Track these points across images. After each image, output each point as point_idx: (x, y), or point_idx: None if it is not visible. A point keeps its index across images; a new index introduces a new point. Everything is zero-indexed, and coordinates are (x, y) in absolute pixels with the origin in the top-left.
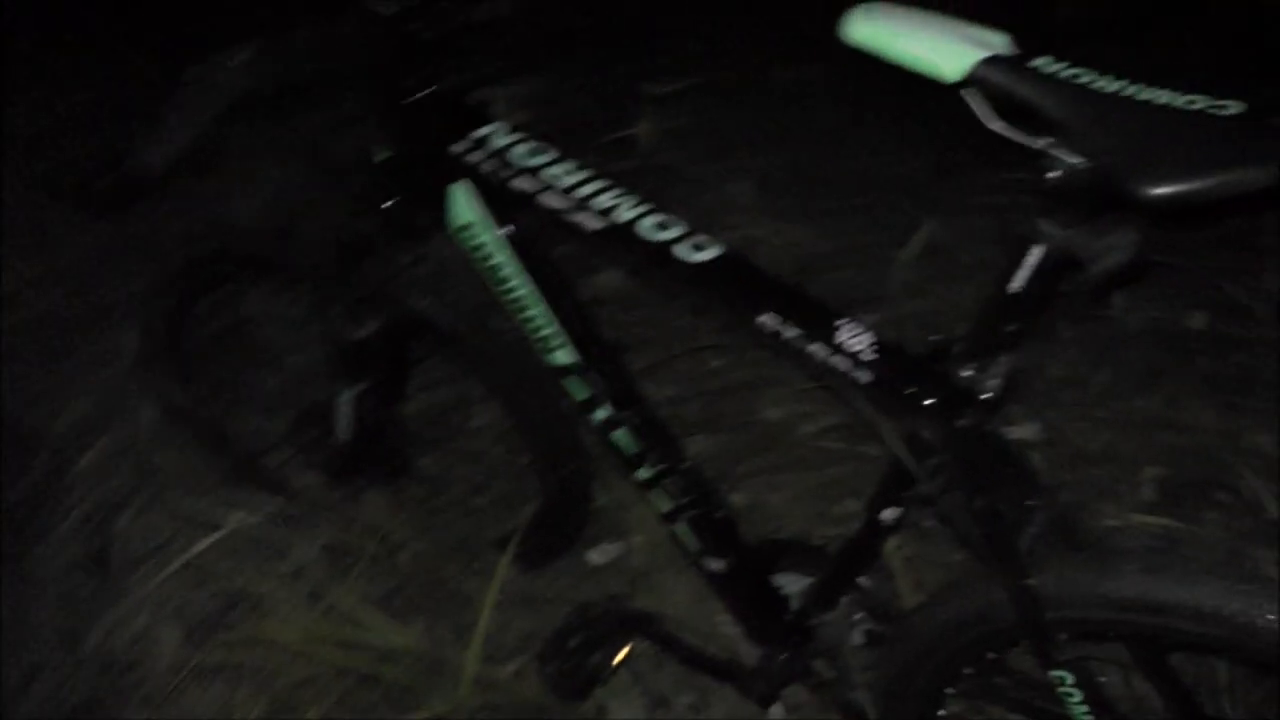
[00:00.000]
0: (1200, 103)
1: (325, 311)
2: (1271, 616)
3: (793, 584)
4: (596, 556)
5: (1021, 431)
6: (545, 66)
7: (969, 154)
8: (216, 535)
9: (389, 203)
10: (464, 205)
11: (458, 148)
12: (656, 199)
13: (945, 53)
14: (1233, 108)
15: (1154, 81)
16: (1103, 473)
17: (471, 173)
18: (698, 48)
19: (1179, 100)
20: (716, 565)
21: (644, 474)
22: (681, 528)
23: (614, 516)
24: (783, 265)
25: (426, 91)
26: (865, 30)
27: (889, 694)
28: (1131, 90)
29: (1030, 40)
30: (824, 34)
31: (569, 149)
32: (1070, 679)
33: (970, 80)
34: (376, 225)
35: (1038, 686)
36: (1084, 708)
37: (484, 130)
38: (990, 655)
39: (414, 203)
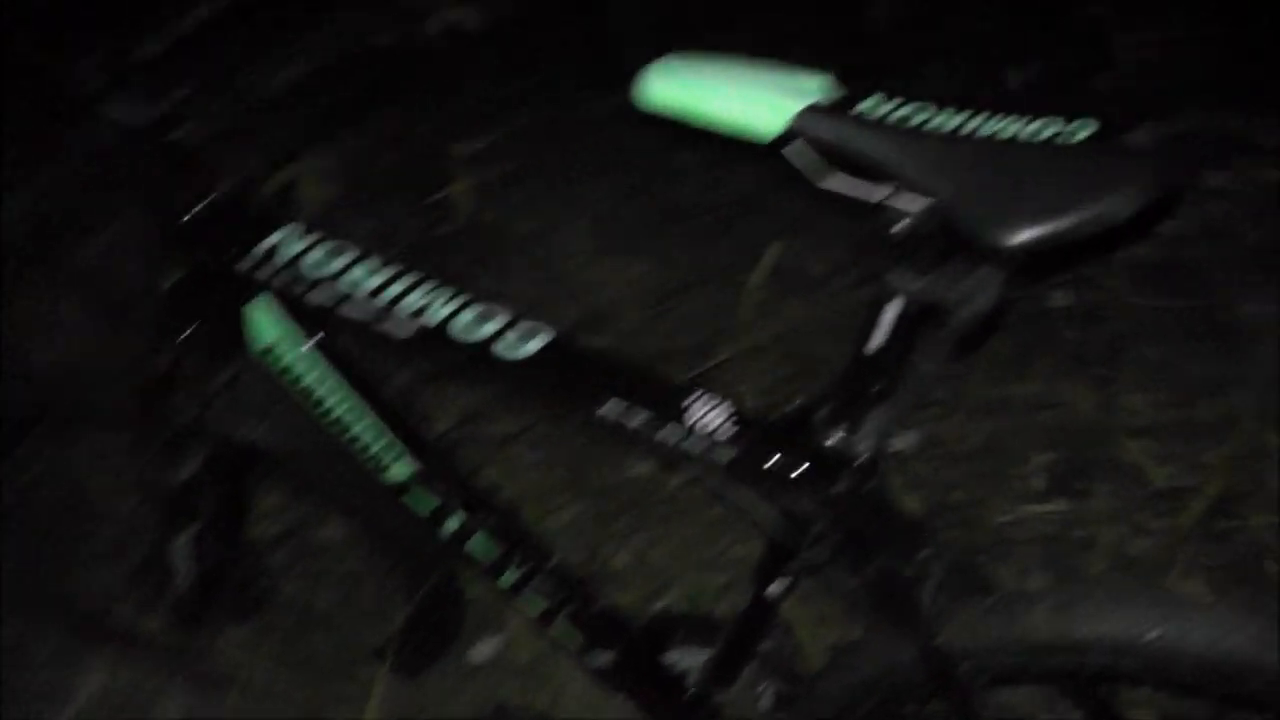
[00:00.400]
0: (1049, 130)
1: (141, 456)
2: (1194, 639)
3: (688, 658)
4: (477, 655)
5: (898, 444)
6: (343, 136)
7: None
8: (73, 707)
9: (186, 331)
10: (263, 325)
11: (244, 265)
12: (485, 265)
13: (758, 109)
14: (1083, 131)
15: (999, 108)
16: (988, 467)
17: (260, 289)
18: (503, 93)
19: (1027, 130)
20: (604, 659)
21: (509, 579)
22: (560, 626)
23: (489, 608)
24: (629, 305)
25: (203, 203)
26: (665, 93)
27: None
28: (973, 124)
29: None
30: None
31: (378, 234)
32: None
33: (790, 136)
34: (178, 356)
35: None
36: None
37: (271, 240)
38: (909, 709)
39: (214, 327)
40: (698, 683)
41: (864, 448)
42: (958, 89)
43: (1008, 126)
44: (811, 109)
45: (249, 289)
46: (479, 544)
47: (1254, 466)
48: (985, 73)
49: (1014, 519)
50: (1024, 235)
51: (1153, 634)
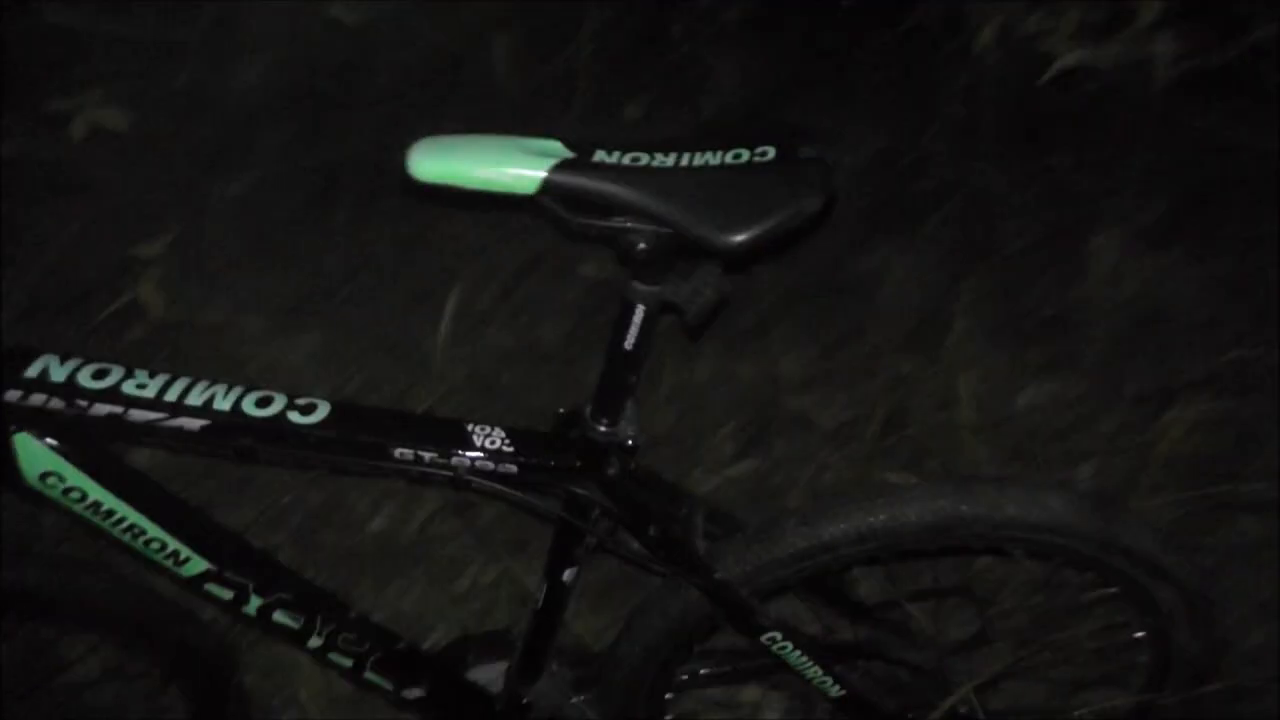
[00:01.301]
0: (744, 155)
1: None
2: (909, 512)
3: (487, 674)
4: None
5: None
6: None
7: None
8: None
9: None
10: (36, 454)
11: (12, 395)
12: (181, 361)
13: (517, 172)
14: (770, 153)
15: (698, 146)
16: (684, 445)
17: (32, 417)
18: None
19: (726, 157)
20: (416, 693)
21: (316, 642)
22: (370, 675)
23: (268, 690)
24: (315, 378)
25: None
26: (433, 168)
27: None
28: (685, 159)
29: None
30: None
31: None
32: (779, 635)
33: (546, 189)
34: None
35: (749, 653)
36: (797, 653)
37: (34, 369)
38: (695, 648)
39: None
40: (506, 688)
41: (628, 433)
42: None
43: (710, 156)
44: (559, 165)
45: (10, 423)
46: (282, 616)
47: (900, 390)
48: (608, 109)
49: (717, 484)
50: (744, 235)
51: (880, 517)
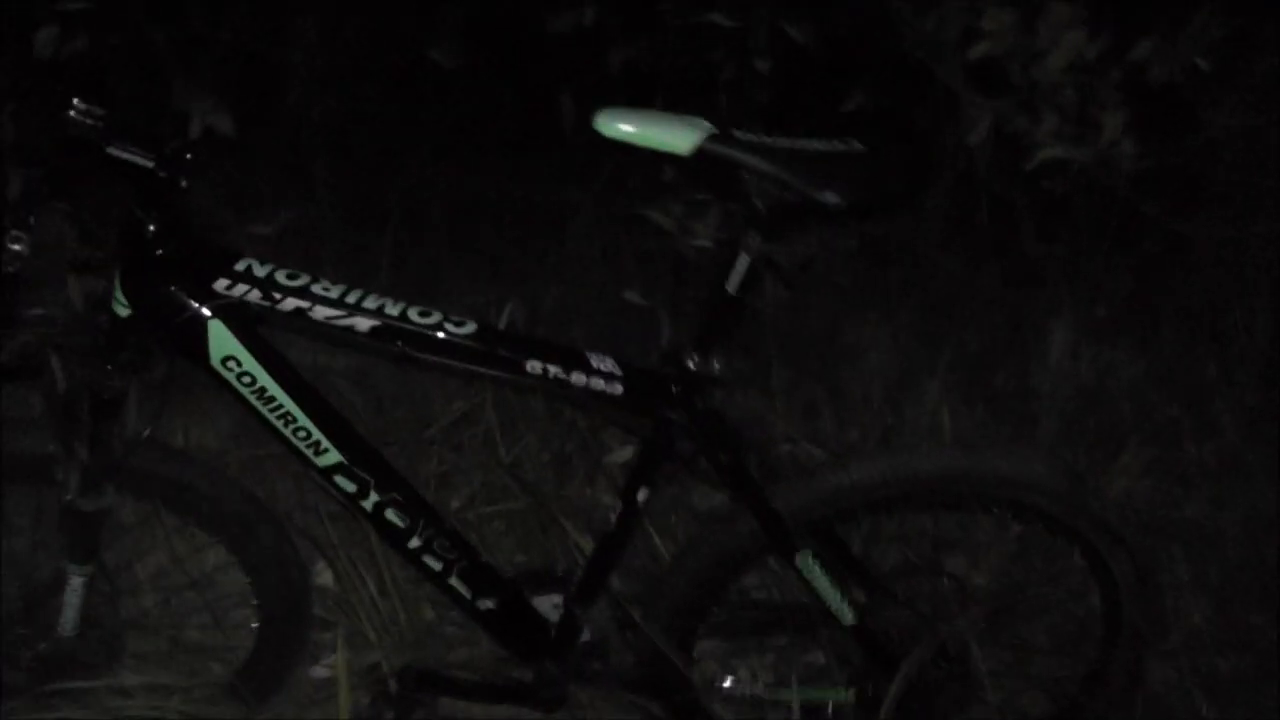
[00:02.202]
0: (841, 145)
1: (54, 475)
2: (922, 467)
3: (543, 604)
4: (321, 670)
5: None
6: None
7: None
8: None
9: (133, 358)
10: (225, 339)
11: (220, 284)
12: None
13: (677, 136)
14: (858, 146)
15: (810, 134)
16: None
17: (228, 309)
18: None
19: (829, 145)
20: (488, 605)
21: (415, 543)
22: (454, 581)
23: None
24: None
25: (175, 239)
26: (615, 128)
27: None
28: (801, 143)
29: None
30: None
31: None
32: (811, 557)
33: (699, 153)
34: (118, 386)
35: (777, 606)
36: (826, 578)
37: (241, 265)
38: (735, 584)
39: (164, 352)
40: (564, 610)
41: (715, 370)
42: None
43: (819, 143)
44: (711, 136)
45: (207, 313)
46: (392, 515)
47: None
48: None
49: None
50: (840, 196)
51: (901, 468)
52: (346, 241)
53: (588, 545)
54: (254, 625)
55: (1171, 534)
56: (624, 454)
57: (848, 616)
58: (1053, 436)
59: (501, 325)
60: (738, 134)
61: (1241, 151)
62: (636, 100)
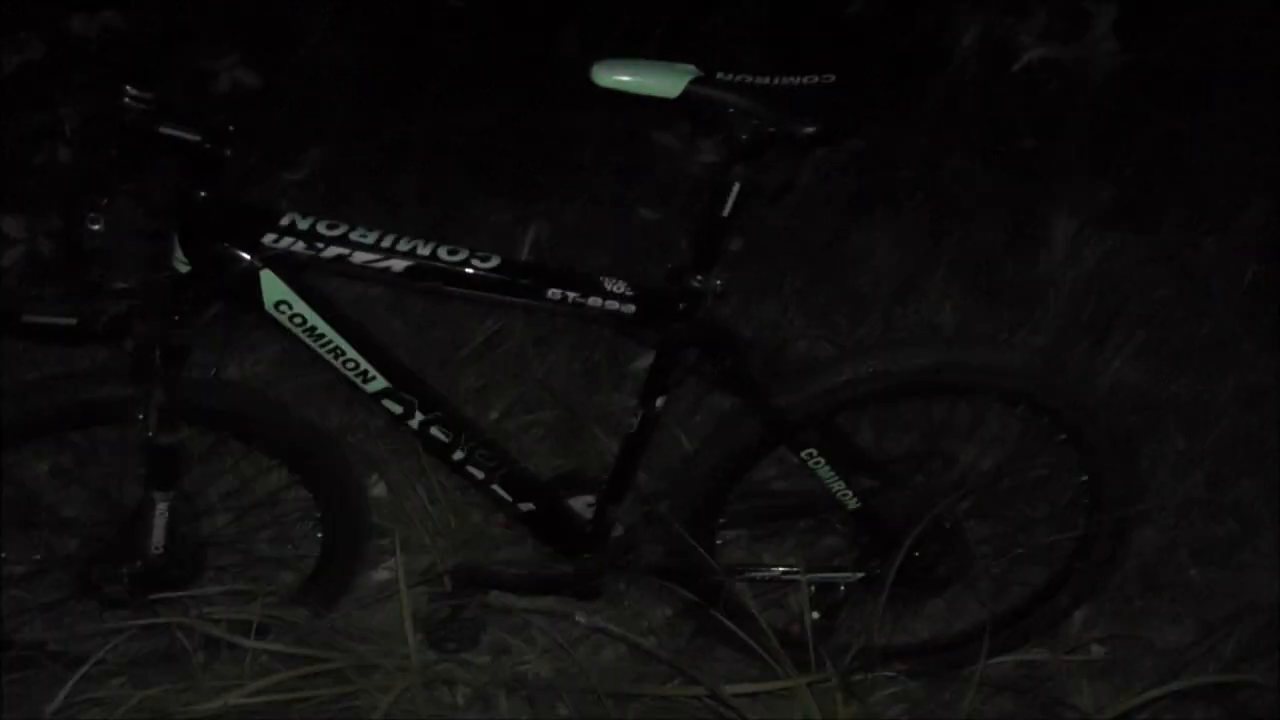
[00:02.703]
0: (815, 78)
1: (136, 415)
2: (910, 360)
3: (580, 503)
4: (382, 573)
5: None
6: None
7: None
8: None
9: (195, 309)
10: (276, 286)
11: (268, 239)
12: None
13: (666, 82)
14: (832, 78)
15: (785, 70)
16: None
17: (277, 258)
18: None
19: (803, 79)
20: (528, 507)
21: (459, 455)
22: (496, 488)
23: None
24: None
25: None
26: (610, 77)
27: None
28: (778, 80)
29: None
30: None
31: None
32: (815, 452)
33: (685, 95)
34: (185, 334)
35: (792, 494)
36: (829, 469)
37: (286, 219)
38: (748, 476)
39: (222, 302)
40: (596, 508)
41: (716, 286)
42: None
43: (795, 79)
44: (695, 79)
45: (259, 264)
46: (437, 431)
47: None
48: None
49: None
50: (812, 128)
51: (892, 361)
52: (373, 179)
53: (616, 448)
54: (319, 536)
55: (1164, 409)
56: (646, 361)
57: (852, 502)
58: (1053, 322)
59: (526, 246)
60: (720, 76)
61: (1234, 48)
62: (639, 26)
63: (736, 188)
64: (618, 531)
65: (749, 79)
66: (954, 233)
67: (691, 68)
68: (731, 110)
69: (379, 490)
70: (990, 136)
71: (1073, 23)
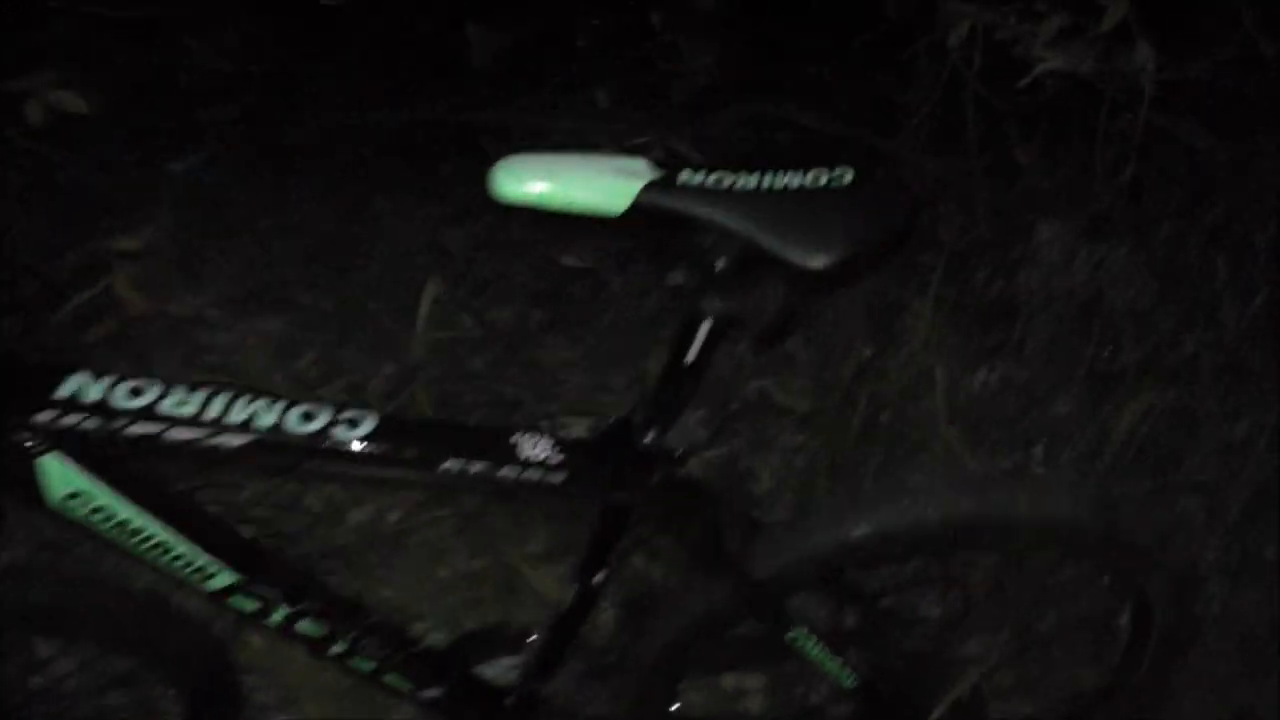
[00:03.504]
0: (824, 178)
1: None
2: (929, 513)
3: (495, 669)
4: None
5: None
6: None
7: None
8: None
9: None
10: (63, 475)
11: (44, 417)
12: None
13: (607, 193)
14: (848, 175)
15: (779, 165)
16: None
17: (62, 438)
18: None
19: (806, 179)
20: (432, 694)
21: (339, 649)
22: (391, 678)
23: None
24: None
25: None
26: (520, 188)
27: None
28: (767, 180)
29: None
30: None
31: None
32: (804, 630)
33: (635, 209)
34: None
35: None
36: (819, 646)
37: (69, 386)
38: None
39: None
40: (521, 684)
41: (678, 442)
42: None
43: (791, 178)
44: (648, 187)
45: (36, 445)
46: (305, 626)
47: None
48: (576, 95)
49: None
50: (826, 259)
51: (906, 518)
52: (270, 181)
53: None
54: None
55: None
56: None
57: (849, 680)
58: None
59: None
60: (688, 177)
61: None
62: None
63: (707, 325)
64: (551, 706)
65: (729, 180)
66: (939, 246)
67: (642, 164)
68: (704, 228)
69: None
70: (978, 138)
71: (1109, 43)
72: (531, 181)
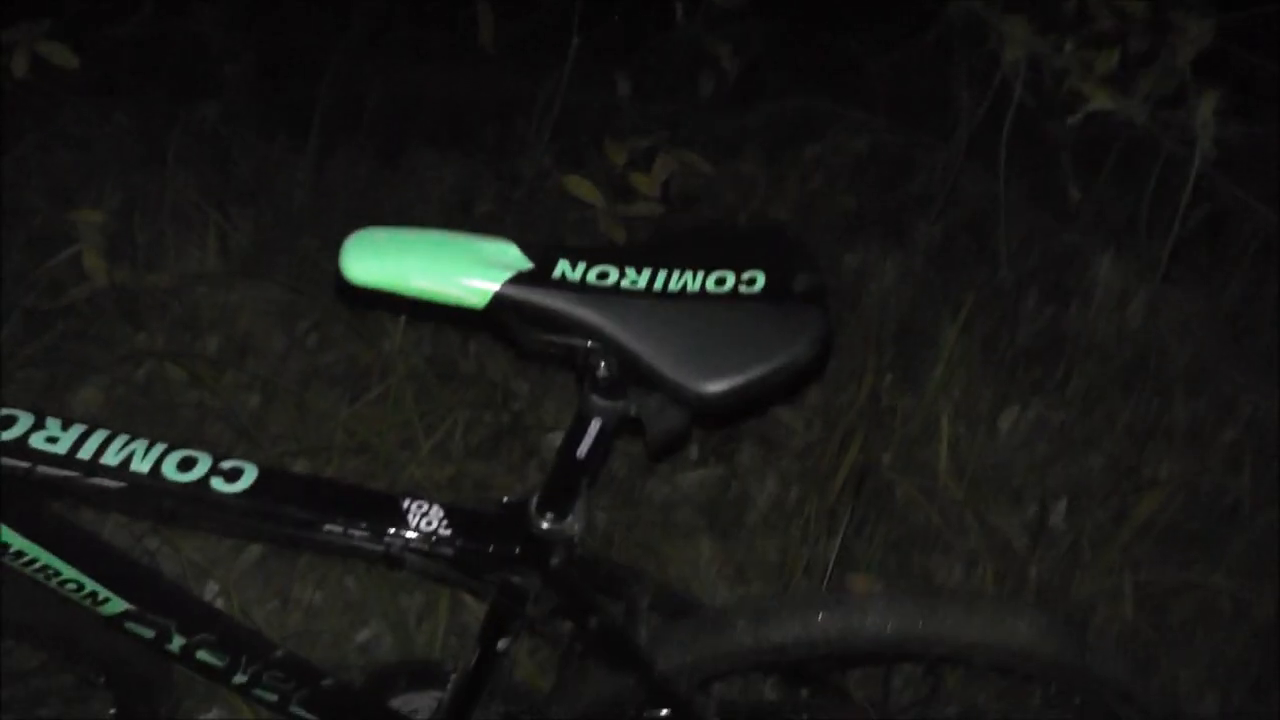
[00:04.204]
0: (729, 280)
1: None
2: (869, 624)
3: (414, 702)
4: None
5: None
6: None
7: None
8: None
9: None
10: None
11: None
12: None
13: (464, 283)
14: (759, 281)
15: (676, 260)
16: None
17: None
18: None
19: (709, 281)
20: None
21: (240, 679)
22: (296, 710)
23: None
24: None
25: None
26: (369, 270)
27: None
28: (660, 279)
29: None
30: None
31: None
32: None
33: (498, 305)
34: None
35: None
36: None
37: None
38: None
39: None
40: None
41: (573, 528)
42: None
43: (689, 279)
44: (514, 278)
45: None
46: (204, 655)
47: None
48: (598, 86)
49: (668, 492)
50: (719, 386)
51: (837, 625)
52: (266, 146)
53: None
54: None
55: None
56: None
57: None
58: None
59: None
60: (563, 268)
61: None
62: None
63: (596, 425)
64: None
65: (612, 275)
66: (977, 267)
67: (514, 250)
68: (581, 332)
69: None
70: (1024, 164)
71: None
72: (378, 264)
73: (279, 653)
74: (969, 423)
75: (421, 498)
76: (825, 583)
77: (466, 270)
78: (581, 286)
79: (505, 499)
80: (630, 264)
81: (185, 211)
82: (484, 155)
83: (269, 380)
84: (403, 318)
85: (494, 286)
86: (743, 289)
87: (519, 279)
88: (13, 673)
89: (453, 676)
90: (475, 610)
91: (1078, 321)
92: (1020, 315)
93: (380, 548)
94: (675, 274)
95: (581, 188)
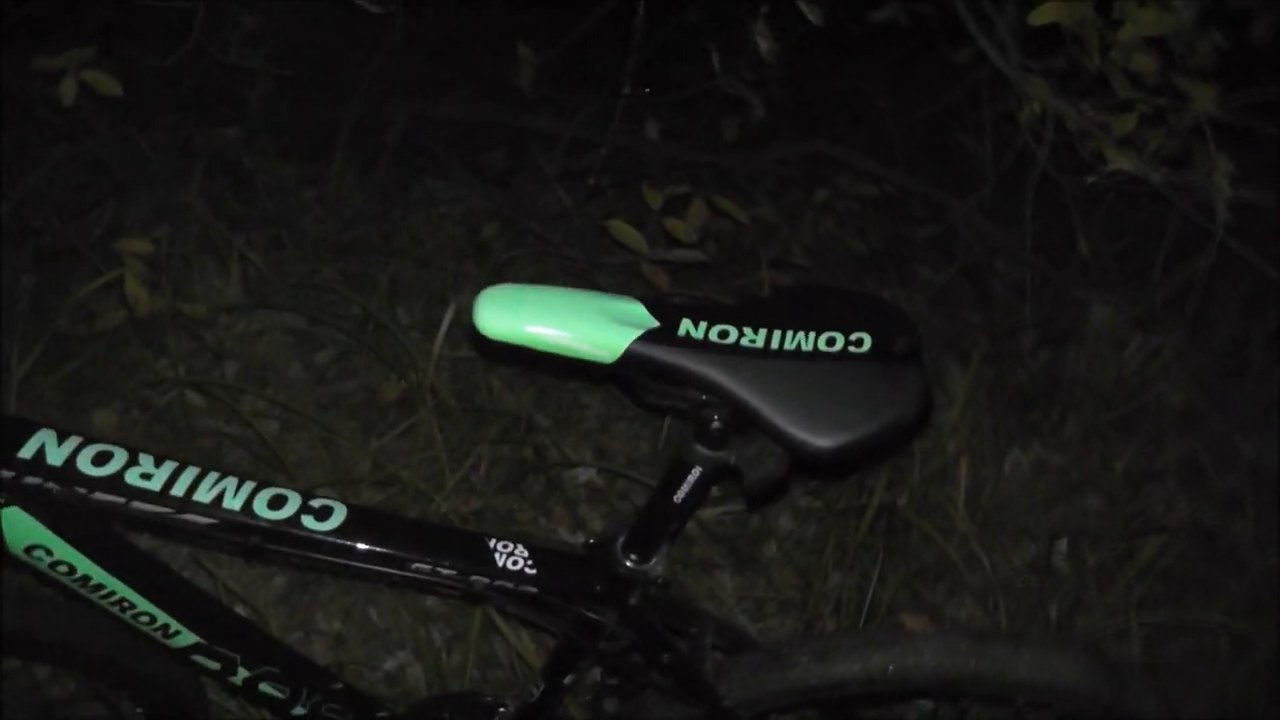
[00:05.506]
0: (838, 341)
1: None
2: (925, 662)
3: None
4: None
5: None
6: None
7: None
8: None
9: None
10: (25, 527)
11: (5, 473)
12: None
13: (598, 339)
14: (866, 342)
15: (790, 322)
16: None
17: (24, 492)
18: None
19: (820, 341)
20: None
21: (300, 711)
22: None
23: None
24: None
25: None
26: (503, 325)
27: None
28: (775, 338)
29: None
30: None
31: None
32: None
33: (628, 361)
34: None
35: None
36: None
37: (31, 446)
38: None
39: None
40: None
41: (656, 571)
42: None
43: (802, 339)
44: (644, 337)
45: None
46: (267, 688)
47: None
48: (629, 129)
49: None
50: (832, 442)
51: (894, 664)
52: (286, 168)
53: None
54: None
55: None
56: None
57: None
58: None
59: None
60: (686, 326)
61: None
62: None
63: (696, 473)
64: None
65: (732, 334)
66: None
67: (640, 309)
68: (700, 386)
69: None
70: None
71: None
72: (517, 320)
73: (338, 685)
74: (980, 464)
75: (507, 540)
76: (862, 620)
77: (599, 328)
78: (705, 344)
79: (589, 539)
80: (748, 324)
81: (210, 239)
82: (505, 192)
83: (287, 406)
84: (433, 350)
85: (625, 343)
86: (851, 349)
87: (647, 337)
88: (46, 702)
89: (503, 709)
90: (504, 639)
91: (1076, 363)
92: (1022, 358)
93: (466, 586)
94: (790, 334)
95: (627, 234)
